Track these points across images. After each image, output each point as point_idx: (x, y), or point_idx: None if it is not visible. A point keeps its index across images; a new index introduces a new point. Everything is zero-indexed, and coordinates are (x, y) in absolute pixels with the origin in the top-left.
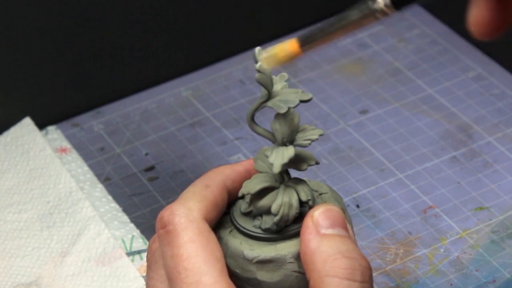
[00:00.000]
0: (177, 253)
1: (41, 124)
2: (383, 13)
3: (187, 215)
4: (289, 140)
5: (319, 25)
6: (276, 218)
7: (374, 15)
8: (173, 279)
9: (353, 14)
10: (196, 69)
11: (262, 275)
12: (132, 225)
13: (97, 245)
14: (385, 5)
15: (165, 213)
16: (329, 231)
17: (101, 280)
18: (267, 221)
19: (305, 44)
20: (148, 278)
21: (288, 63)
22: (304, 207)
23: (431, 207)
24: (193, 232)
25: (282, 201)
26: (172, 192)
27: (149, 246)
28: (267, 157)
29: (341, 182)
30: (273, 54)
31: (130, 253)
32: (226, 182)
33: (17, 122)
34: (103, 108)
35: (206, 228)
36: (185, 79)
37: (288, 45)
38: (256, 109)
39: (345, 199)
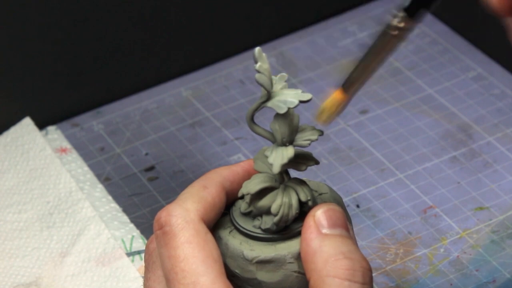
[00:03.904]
0: (174, 254)
1: (41, 124)
2: (402, 28)
3: (184, 216)
4: (289, 140)
5: (353, 66)
6: (276, 218)
7: (396, 35)
8: (171, 280)
9: (378, 42)
10: (196, 69)
11: (262, 276)
12: (132, 225)
13: (97, 245)
14: (399, 19)
15: (162, 214)
16: (331, 231)
17: (101, 280)
18: (267, 221)
19: (347, 89)
20: (145, 279)
21: (340, 112)
22: (304, 208)
23: (431, 207)
24: (190, 233)
25: (282, 201)
26: (172, 192)
27: (147, 247)
28: (266, 157)
29: (341, 182)
30: (325, 110)
31: (130, 254)
32: (224, 183)
33: (17, 122)
34: (103, 108)
35: (203, 229)
36: (185, 79)
37: (333, 97)
38: (256, 109)
39: (345, 199)
